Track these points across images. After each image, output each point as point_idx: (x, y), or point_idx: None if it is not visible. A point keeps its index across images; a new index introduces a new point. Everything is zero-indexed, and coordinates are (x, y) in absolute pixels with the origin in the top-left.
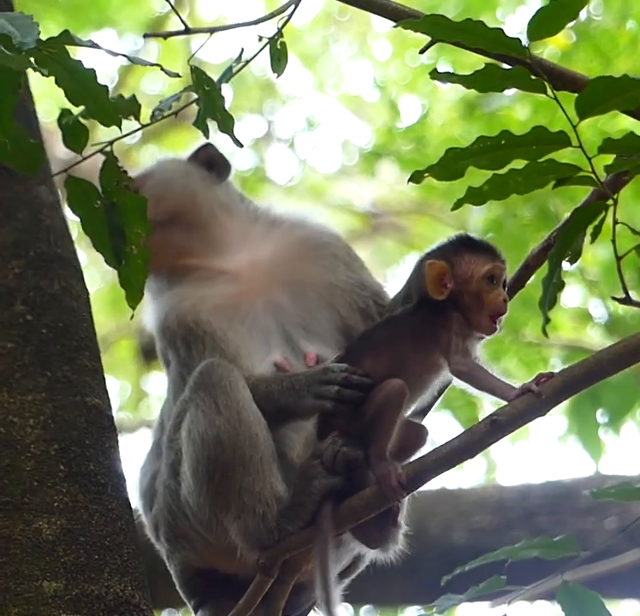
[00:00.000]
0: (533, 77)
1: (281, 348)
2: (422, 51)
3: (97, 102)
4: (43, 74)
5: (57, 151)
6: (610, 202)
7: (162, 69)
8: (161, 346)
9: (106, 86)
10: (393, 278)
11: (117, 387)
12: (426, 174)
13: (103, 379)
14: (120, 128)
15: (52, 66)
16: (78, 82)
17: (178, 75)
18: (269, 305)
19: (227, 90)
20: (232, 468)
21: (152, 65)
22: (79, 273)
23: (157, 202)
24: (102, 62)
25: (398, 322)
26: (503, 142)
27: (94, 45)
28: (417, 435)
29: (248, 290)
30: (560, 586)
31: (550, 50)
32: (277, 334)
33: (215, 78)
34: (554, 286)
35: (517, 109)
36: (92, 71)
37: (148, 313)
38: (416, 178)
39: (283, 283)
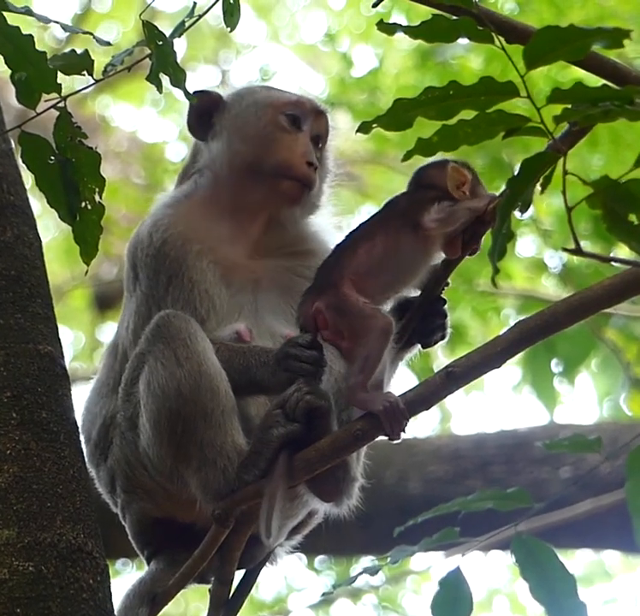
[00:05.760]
0: (480, 28)
1: (248, 322)
2: (374, 5)
3: (35, 67)
4: None
5: (11, 99)
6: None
7: (94, 38)
8: (141, 262)
9: (44, 52)
10: (348, 228)
11: (71, 337)
12: (374, 125)
13: (56, 327)
14: (59, 94)
15: None
16: (16, 48)
17: (109, 44)
18: (258, 288)
19: (180, 41)
20: (193, 421)
21: (84, 33)
22: (32, 221)
23: None
24: (57, 8)
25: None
26: (451, 92)
27: (28, 12)
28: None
29: (251, 265)
30: (514, 538)
31: (508, 4)
32: (252, 311)
33: (169, 30)
34: (503, 236)
35: (471, 59)
36: (30, 37)
37: (158, 213)
38: (364, 129)
39: (280, 283)
